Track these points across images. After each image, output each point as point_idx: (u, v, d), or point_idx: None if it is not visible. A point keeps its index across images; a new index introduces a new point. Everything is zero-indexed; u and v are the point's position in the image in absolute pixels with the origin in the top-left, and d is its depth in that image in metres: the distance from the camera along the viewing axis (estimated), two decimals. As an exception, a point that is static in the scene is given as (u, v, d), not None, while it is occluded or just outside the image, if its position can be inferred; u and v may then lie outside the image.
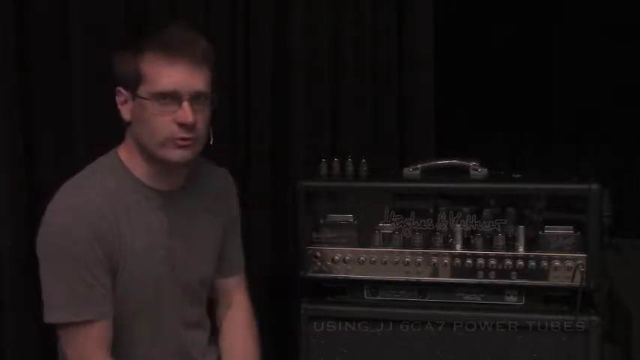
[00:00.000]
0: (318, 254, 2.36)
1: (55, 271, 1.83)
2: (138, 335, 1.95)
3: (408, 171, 2.43)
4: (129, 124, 1.87)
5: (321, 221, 2.38)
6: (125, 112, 1.86)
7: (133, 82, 1.81)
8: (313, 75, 2.79)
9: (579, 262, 2.22)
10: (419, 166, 2.43)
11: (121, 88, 1.85)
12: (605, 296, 2.90)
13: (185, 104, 1.80)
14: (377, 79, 2.83)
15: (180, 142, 1.83)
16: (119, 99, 1.87)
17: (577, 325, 2.21)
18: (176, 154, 1.84)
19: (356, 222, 2.37)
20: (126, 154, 1.92)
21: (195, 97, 1.82)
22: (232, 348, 2.15)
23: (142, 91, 1.80)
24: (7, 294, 2.43)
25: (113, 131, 2.52)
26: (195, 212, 2.01)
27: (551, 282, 2.25)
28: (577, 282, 2.22)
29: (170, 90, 1.80)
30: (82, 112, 2.54)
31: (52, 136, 2.54)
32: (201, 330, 2.13)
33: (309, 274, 2.37)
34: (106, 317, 1.86)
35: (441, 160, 2.45)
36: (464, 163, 2.41)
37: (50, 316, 1.85)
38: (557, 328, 2.24)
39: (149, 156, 1.88)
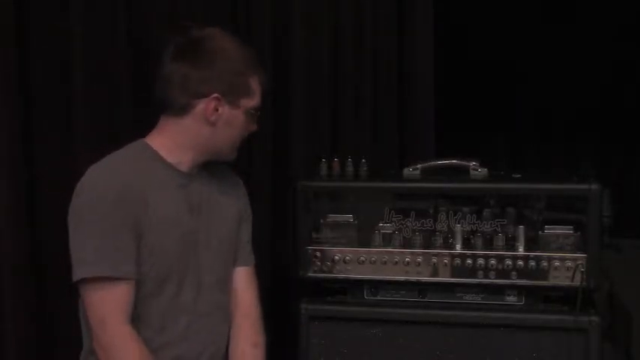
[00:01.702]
0: (318, 254, 2.36)
1: (83, 232, 1.93)
2: (157, 307, 2.00)
3: (408, 171, 2.43)
4: (213, 124, 2.01)
5: (321, 221, 2.38)
6: (212, 115, 2.01)
7: (238, 93, 2.03)
8: (313, 75, 2.79)
9: (579, 262, 2.22)
10: (419, 166, 2.43)
11: (219, 95, 2.00)
12: (605, 296, 2.91)
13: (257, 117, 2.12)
14: (377, 79, 2.83)
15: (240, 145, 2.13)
16: (210, 105, 2.00)
17: (577, 325, 2.21)
18: (235, 154, 2.13)
19: (356, 222, 2.37)
20: (159, 142, 2.04)
21: None
22: (236, 350, 2.15)
23: (243, 103, 2.04)
24: (8, 299, 2.44)
25: (113, 132, 2.53)
26: (213, 195, 2.11)
27: (551, 282, 2.25)
28: (577, 282, 2.22)
29: (260, 106, 2.10)
30: (82, 113, 2.54)
31: (52, 137, 2.55)
32: (226, 318, 2.15)
33: (309, 274, 2.37)
34: (129, 277, 1.93)
35: (441, 160, 2.45)
36: (464, 163, 2.41)
37: (76, 274, 1.93)
38: (557, 328, 2.24)
39: (208, 152, 2.06)
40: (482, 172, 2.39)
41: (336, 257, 2.35)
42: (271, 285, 2.77)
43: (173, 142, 2.04)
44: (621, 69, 3.56)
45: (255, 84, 2.06)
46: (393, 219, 2.35)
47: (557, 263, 2.24)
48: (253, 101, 2.06)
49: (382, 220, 2.36)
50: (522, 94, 3.69)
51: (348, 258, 2.34)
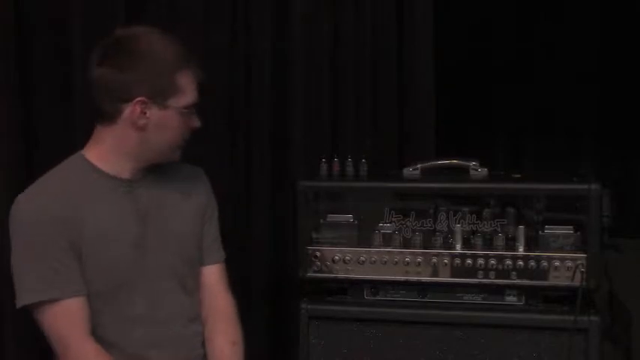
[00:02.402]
0: (318, 254, 2.36)
1: (21, 259, 1.92)
2: (109, 321, 1.97)
3: (408, 171, 2.43)
4: (143, 128, 1.95)
5: (321, 221, 2.38)
6: (140, 119, 1.94)
7: (164, 94, 1.95)
8: (313, 75, 2.79)
9: (579, 262, 2.22)
10: (419, 166, 2.43)
11: (144, 98, 1.93)
12: (605, 296, 2.90)
13: (194, 113, 2.03)
14: (377, 78, 2.83)
15: (183, 144, 2.04)
16: (136, 109, 1.93)
17: (577, 325, 2.21)
18: (178, 154, 2.06)
19: (356, 222, 2.37)
20: (95, 153, 2.00)
21: None
22: (214, 349, 2.13)
23: (173, 102, 1.96)
24: (8, 300, 2.44)
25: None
26: (164, 194, 2.06)
27: (551, 282, 2.25)
28: (577, 282, 2.22)
29: (195, 102, 2.01)
30: (82, 112, 2.54)
31: (52, 137, 2.55)
32: (194, 319, 2.12)
33: (309, 274, 2.37)
34: (76, 294, 1.91)
35: (441, 160, 2.45)
36: (464, 163, 2.41)
37: (20, 301, 1.92)
38: (557, 328, 2.24)
39: (145, 157, 2.00)
40: (482, 172, 2.39)
41: (336, 257, 2.35)
42: (271, 285, 2.77)
43: (109, 151, 1.98)
44: (622, 68, 3.56)
45: (184, 80, 1.97)
46: (393, 219, 2.35)
47: (557, 263, 2.24)
48: (185, 99, 1.97)
49: (382, 220, 2.36)
50: (522, 94, 3.68)
51: (348, 258, 2.34)
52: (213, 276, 2.17)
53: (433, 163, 2.45)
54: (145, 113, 1.94)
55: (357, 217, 2.37)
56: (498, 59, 3.67)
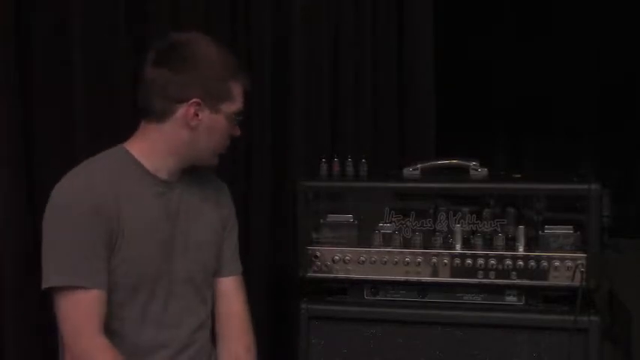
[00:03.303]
0: (318, 254, 2.36)
1: (54, 242, 1.93)
2: (128, 316, 1.99)
3: (408, 171, 2.43)
4: (193, 129, 2.00)
5: (321, 221, 2.38)
6: (193, 120, 2.00)
7: (218, 98, 2.01)
8: (313, 75, 2.79)
9: (579, 261, 2.22)
10: (419, 166, 2.43)
11: (199, 100, 1.98)
12: (605, 296, 2.91)
13: (237, 121, 2.10)
14: (377, 79, 2.83)
15: (223, 150, 2.11)
16: (190, 110, 1.98)
17: (577, 325, 2.21)
18: (217, 160, 2.11)
19: (356, 222, 2.37)
20: (139, 148, 2.03)
21: None
22: (229, 354, 2.15)
23: (224, 107, 2.03)
24: (9, 300, 2.44)
25: (113, 131, 2.53)
26: (193, 201, 2.10)
27: (551, 282, 2.25)
28: (577, 282, 2.22)
29: (242, 111, 2.08)
30: (83, 112, 2.55)
31: (53, 136, 2.55)
32: (202, 326, 2.13)
33: (309, 274, 2.37)
34: (100, 287, 1.92)
35: (441, 160, 2.45)
36: (464, 163, 2.41)
37: (46, 281, 1.92)
38: (557, 328, 2.24)
39: (188, 157, 2.05)
40: (482, 172, 2.40)
41: (336, 257, 2.35)
42: (271, 285, 2.77)
43: (153, 148, 2.02)
44: (622, 68, 3.57)
45: (236, 88, 2.05)
46: (393, 219, 2.35)
47: (557, 263, 2.24)
48: (234, 106, 2.04)
49: (382, 220, 2.36)
50: (523, 94, 3.69)
51: (348, 258, 2.34)
52: (231, 286, 2.19)
53: (433, 163, 2.45)
54: (198, 115, 1.99)
55: (357, 217, 2.38)
56: (498, 59, 3.68)
